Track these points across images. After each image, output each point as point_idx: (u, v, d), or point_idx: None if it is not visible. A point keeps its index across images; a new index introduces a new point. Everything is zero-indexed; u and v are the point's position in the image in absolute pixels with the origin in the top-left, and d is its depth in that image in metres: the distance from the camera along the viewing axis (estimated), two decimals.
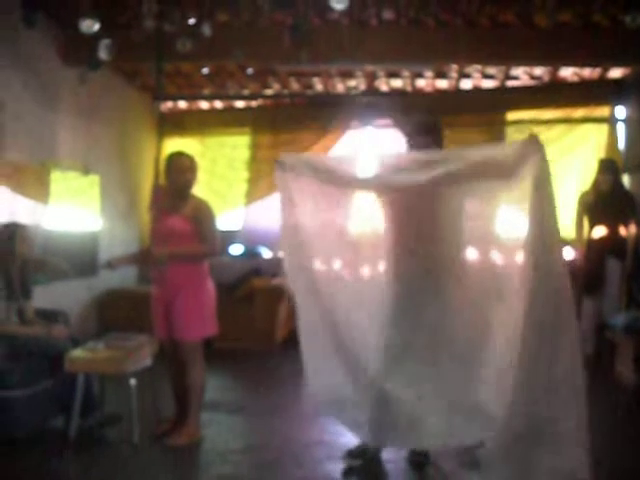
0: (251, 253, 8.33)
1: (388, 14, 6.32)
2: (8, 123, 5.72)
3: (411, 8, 6.15)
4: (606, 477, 3.52)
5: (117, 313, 7.27)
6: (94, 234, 7.26)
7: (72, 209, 6.82)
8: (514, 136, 7.69)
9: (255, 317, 7.20)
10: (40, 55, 6.32)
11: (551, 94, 7.68)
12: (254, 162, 8.47)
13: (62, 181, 6.59)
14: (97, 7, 5.81)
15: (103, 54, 5.73)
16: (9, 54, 5.79)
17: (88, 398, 4.42)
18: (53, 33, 6.46)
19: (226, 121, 8.72)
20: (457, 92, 8.06)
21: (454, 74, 7.58)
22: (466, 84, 7.92)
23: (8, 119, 5.71)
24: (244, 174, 8.57)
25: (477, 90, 8.01)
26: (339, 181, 3.48)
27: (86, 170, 7.03)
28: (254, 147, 8.48)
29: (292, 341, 4.02)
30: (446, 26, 6.41)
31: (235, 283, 7.41)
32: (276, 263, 7.19)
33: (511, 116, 7.80)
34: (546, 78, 7.66)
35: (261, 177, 8.28)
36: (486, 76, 7.66)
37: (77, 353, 4.38)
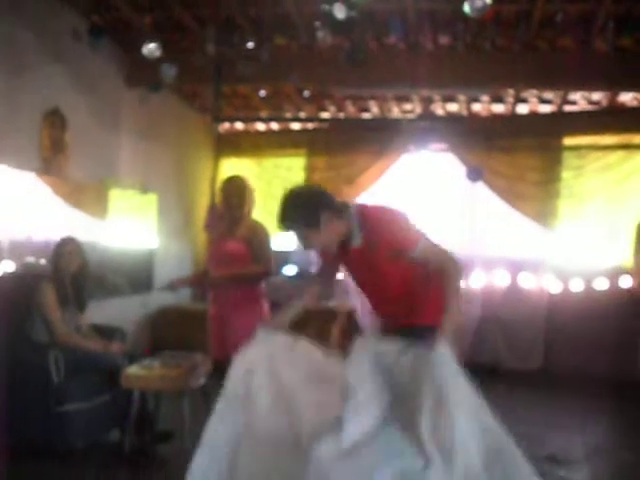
0: (304, 274, 8.36)
1: (444, 39, 6.32)
2: (72, 142, 5.89)
3: (468, 33, 6.13)
4: None
5: (170, 331, 7.34)
6: (150, 251, 7.39)
7: (129, 226, 6.96)
8: (571, 161, 7.60)
9: (308, 338, 7.17)
10: (104, 77, 6.52)
11: (610, 119, 7.56)
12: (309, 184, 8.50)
13: (120, 199, 6.73)
14: (159, 31, 6.00)
15: (165, 77, 5.87)
16: (75, 76, 5.98)
17: (143, 414, 4.50)
18: (117, 56, 6.65)
19: (282, 143, 8.76)
20: (513, 116, 8.00)
21: (510, 99, 7.53)
22: (522, 109, 7.86)
23: (72, 138, 5.88)
24: None
25: (534, 115, 7.95)
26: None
27: (144, 189, 7.18)
28: (309, 169, 8.48)
29: None
30: (503, 51, 6.39)
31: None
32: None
33: (568, 141, 7.68)
34: (604, 103, 7.55)
35: None
36: (543, 101, 7.59)
37: (133, 370, 4.44)
